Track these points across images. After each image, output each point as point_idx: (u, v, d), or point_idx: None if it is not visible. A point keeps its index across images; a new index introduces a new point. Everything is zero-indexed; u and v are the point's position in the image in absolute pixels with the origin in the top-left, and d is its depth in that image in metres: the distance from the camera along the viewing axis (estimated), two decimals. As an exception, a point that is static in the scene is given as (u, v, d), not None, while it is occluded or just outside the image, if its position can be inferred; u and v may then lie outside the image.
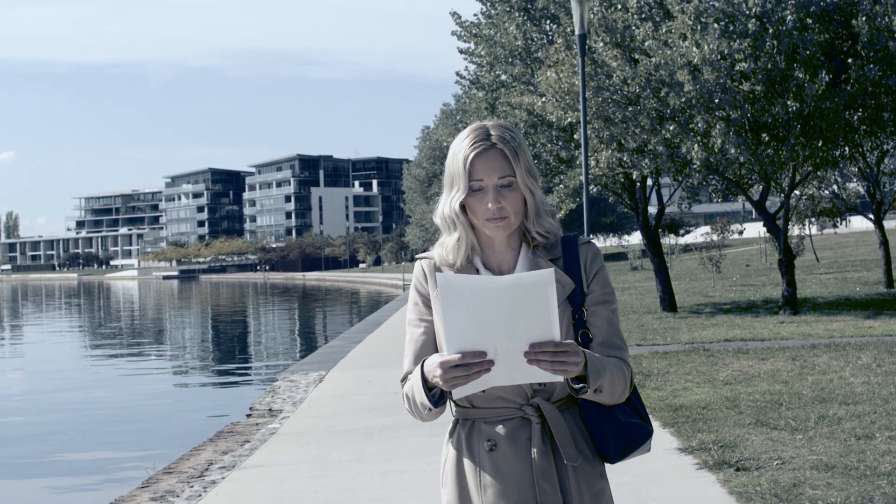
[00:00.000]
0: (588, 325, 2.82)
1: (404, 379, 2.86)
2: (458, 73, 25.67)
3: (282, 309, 55.17)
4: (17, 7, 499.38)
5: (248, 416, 12.32)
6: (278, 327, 40.82)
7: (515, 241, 2.88)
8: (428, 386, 2.70)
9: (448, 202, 2.84)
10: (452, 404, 2.83)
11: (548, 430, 2.75)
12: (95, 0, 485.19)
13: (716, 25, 17.98)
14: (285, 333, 37.22)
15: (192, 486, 8.07)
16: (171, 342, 34.23)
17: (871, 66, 18.54)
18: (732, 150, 18.28)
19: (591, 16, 19.03)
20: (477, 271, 2.85)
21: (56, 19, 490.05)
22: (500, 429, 2.77)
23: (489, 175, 2.76)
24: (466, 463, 2.81)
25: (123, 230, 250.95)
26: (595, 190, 22.94)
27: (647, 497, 6.80)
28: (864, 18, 18.40)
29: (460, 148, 2.79)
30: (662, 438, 8.67)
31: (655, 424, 9.31)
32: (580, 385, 2.67)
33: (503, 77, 23.62)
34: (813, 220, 37.47)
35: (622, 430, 2.81)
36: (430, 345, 2.84)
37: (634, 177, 21.92)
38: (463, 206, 2.82)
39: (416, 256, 2.97)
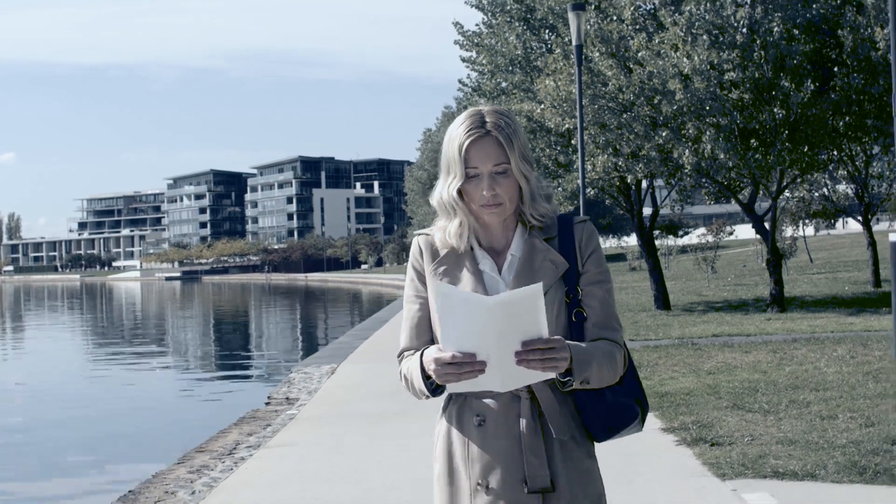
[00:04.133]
0: (583, 305, 2.86)
1: (401, 355, 2.95)
2: (460, 81, 26.70)
3: (288, 309, 55.97)
4: (18, 10, 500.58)
5: (267, 403, 13.23)
6: (287, 326, 41.57)
7: (511, 223, 2.93)
8: (426, 374, 2.77)
9: (446, 188, 2.88)
10: None
11: (537, 406, 2.79)
12: (96, 3, 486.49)
13: (706, 37, 18.87)
14: (294, 331, 38.00)
15: (223, 462, 8.98)
16: (185, 341, 34.95)
17: (856, 74, 19.36)
18: (722, 156, 19.18)
19: (588, 27, 19.95)
20: (471, 249, 2.91)
21: (57, 22, 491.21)
22: (490, 404, 2.80)
23: (484, 163, 2.80)
24: (456, 437, 2.86)
25: (125, 231, 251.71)
26: (592, 193, 23.84)
27: (632, 469, 7.67)
28: (847, 29, 19.27)
29: (456, 134, 2.83)
30: (649, 421, 9.57)
31: (642, 410, 10.21)
32: (566, 378, 2.72)
33: (504, 84, 24.57)
34: (807, 221, 38.38)
35: (609, 410, 2.84)
36: (425, 321, 2.92)
37: (629, 180, 22.86)
38: (460, 192, 2.87)
39: (415, 233, 3.04)
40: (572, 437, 2.81)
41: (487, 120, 2.82)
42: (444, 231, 2.92)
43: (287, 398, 13.03)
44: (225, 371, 23.66)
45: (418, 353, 2.83)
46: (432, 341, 2.90)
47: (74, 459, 12.50)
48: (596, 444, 2.92)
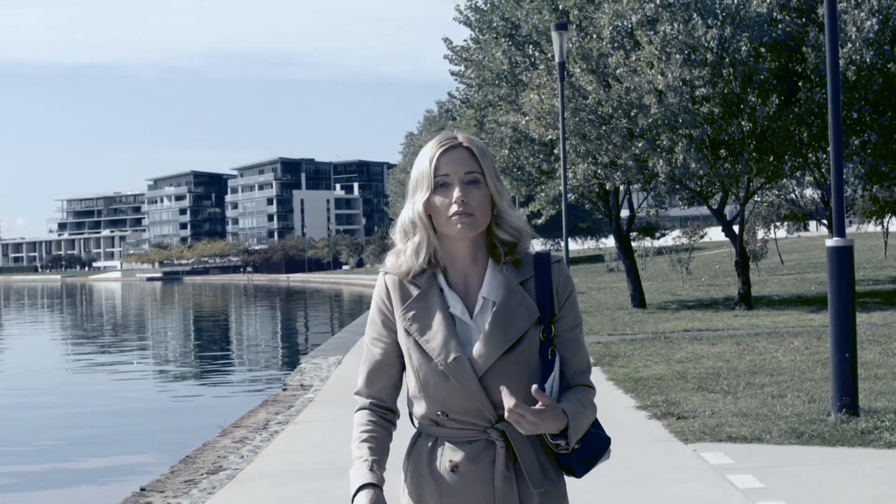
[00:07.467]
0: (560, 350, 2.77)
1: (359, 395, 2.85)
2: (449, 94, 28.21)
3: (276, 309, 56.85)
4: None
5: (284, 390, 14.68)
6: (280, 325, 42.29)
7: (482, 256, 2.77)
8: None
9: (412, 205, 2.74)
10: (415, 420, 2.83)
11: (512, 453, 2.70)
12: (74, 2, 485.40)
13: (678, 55, 20.37)
14: (288, 330, 38.80)
15: (260, 434, 10.43)
16: (189, 340, 35.76)
17: (818, 89, 20.77)
18: (693, 165, 20.68)
19: (570, 45, 21.45)
20: (441, 291, 2.76)
21: (34, 20, 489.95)
22: (463, 450, 2.72)
23: (455, 170, 2.68)
24: (427, 480, 2.76)
25: (105, 232, 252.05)
26: (573, 198, 25.35)
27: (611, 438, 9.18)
28: (811, 48, 20.75)
29: (426, 150, 2.73)
30: (625, 401, 11.09)
31: (619, 393, 11.72)
32: (558, 441, 2.67)
33: (490, 97, 26.02)
34: (778, 224, 40.00)
35: (584, 444, 2.74)
36: (383, 368, 2.80)
37: (608, 187, 24.40)
38: (429, 216, 2.73)
39: (382, 270, 2.85)
40: (550, 481, 2.75)
41: (459, 136, 2.75)
42: (399, 254, 2.78)
43: (301, 384, 14.47)
44: (230, 367, 24.84)
45: (361, 476, 2.73)
46: (391, 388, 2.84)
47: (130, 433, 14.12)
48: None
